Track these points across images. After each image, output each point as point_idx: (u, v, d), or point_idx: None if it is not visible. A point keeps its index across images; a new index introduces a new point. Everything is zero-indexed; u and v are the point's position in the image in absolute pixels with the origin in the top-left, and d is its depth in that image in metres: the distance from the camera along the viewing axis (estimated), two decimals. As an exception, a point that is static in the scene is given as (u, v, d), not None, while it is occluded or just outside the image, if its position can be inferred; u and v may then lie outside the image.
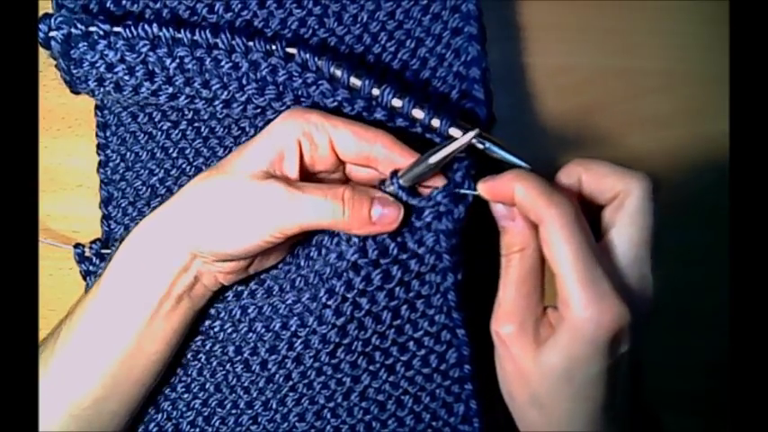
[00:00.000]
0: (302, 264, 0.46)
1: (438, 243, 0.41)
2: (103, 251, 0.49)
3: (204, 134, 0.49)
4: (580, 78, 0.54)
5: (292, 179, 0.41)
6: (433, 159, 0.40)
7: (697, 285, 0.53)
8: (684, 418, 0.53)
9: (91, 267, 0.49)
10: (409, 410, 0.46)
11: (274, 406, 0.47)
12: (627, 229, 0.37)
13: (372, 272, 0.42)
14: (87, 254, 0.49)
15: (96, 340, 0.42)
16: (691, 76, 0.54)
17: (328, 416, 0.47)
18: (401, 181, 0.41)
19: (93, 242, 0.49)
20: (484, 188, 0.40)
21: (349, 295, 0.43)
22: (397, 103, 0.42)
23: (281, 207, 0.39)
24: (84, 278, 0.49)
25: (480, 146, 0.40)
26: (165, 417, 0.49)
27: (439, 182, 0.42)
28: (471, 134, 0.39)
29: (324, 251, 0.44)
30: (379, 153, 0.41)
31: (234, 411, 0.48)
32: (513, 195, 0.38)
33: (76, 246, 0.49)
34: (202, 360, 0.48)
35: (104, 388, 0.42)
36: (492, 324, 0.39)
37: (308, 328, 0.44)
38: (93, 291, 0.43)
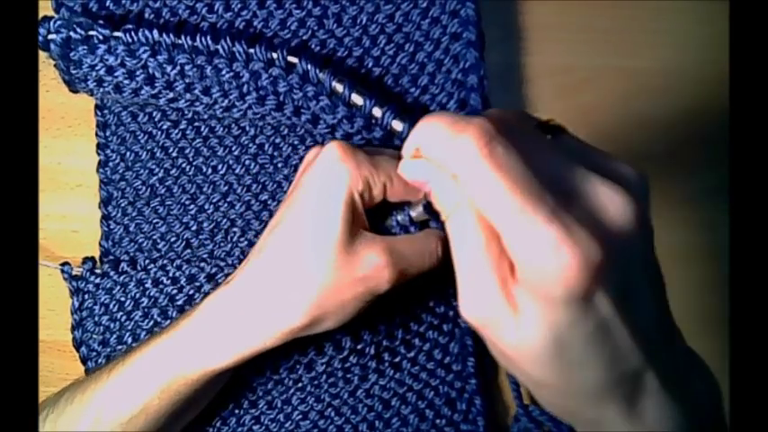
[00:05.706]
0: None
1: None
2: (96, 269, 0.48)
3: (204, 134, 0.49)
4: (580, 78, 0.54)
5: (386, 244, 0.38)
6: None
7: (697, 285, 0.53)
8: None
9: (80, 285, 0.48)
10: (413, 408, 0.46)
11: (279, 405, 0.47)
12: None
13: None
14: (75, 273, 0.48)
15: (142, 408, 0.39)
16: (691, 76, 0.54)
17: (332, 414, 0.47)
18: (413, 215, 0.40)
19: (84, 261, 0.49)
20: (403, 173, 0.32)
21: None
22: (397, 126, 0.42)
23: (383, 278, 0.38)
24: (71, 295, 0.48)
25: None
26: None
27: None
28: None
29: None
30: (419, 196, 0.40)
31: (237, 411, 0.48)
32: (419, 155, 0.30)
33: (64, 264, 0.48)
34: None
35: None
36: (461, 309, 0.29)
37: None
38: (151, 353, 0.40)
